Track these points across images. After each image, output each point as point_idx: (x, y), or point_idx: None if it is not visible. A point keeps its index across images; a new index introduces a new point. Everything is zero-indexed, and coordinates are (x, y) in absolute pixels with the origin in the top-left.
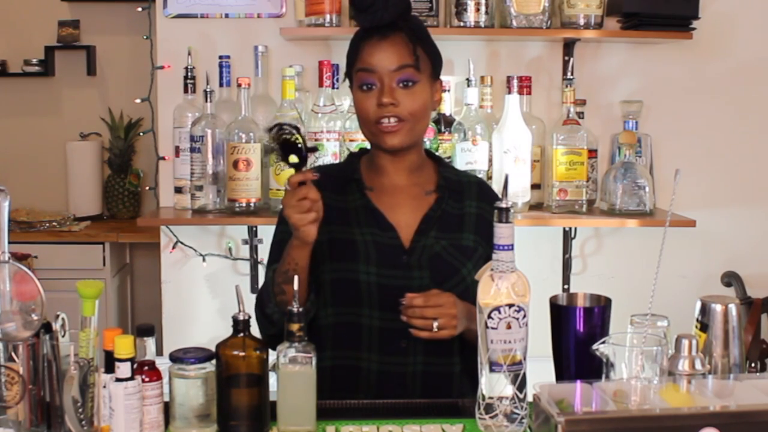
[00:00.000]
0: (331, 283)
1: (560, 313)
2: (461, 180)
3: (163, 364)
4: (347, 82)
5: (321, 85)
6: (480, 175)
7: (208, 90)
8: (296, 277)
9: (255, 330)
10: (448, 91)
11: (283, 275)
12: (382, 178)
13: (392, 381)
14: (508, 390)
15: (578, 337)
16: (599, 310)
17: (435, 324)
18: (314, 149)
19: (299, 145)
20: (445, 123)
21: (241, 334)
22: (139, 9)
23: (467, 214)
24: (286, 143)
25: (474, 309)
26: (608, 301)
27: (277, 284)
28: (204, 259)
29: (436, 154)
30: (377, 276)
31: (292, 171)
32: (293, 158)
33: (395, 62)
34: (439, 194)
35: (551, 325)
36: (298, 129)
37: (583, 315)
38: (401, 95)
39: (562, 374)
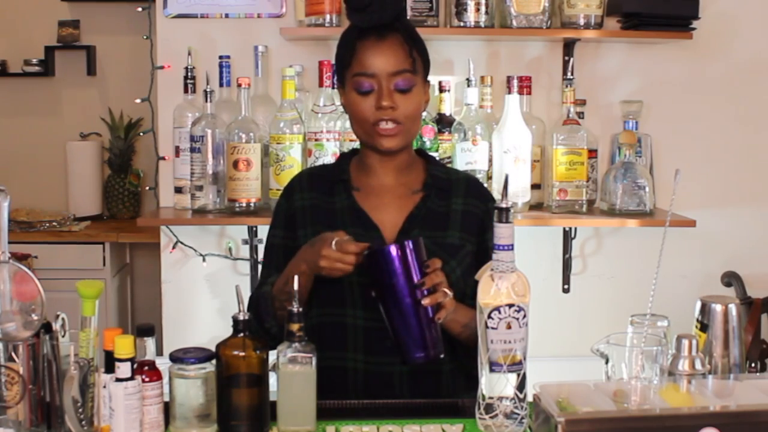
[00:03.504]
0: (313, 284)
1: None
2: (450, 178)
3: (163, 364)
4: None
5: (321, 85)
6: (480, 175)
7: (208, 90)
8: (296, 277)
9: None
10: (448, 91)
11: (286, 294)
12: (369, 178)
13: (379, 381)
14: (508, 390)
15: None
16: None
17: (445, 290)
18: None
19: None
20: (445, 123)
21: (241, 334)
22: (139, 9)
23: (453, 212)
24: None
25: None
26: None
27: (279, 301)
28: (204, 259)
29: (427, 152)
30: (359, 276)
31: None
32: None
33: (393, 66)
34: (425, 192)
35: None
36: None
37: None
38: (399, 99)
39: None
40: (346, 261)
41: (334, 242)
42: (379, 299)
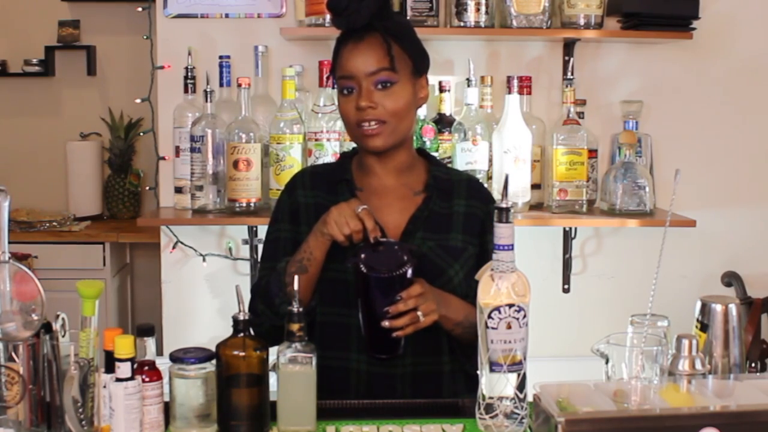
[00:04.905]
0: (318, 283)
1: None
2: (452, 179)
3: (163, 364)
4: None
5: (321, 85)
6: (480, 175)
7: (208, 90)
8: (296, 277)
9: None
10: (448, 91)
11: (296, 264)
12: (371, 178)
13: (382, 382)
14: (509, 390)
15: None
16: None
17: (419, 314)
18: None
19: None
20: (445, 123)
21: (241, 334)
22: (139, 9)
23: (456, 214)
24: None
25: (444, 293)
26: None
27: (289, 274)
28: (204, 259)
29: (429, 153)
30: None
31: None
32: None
33: (370, 66)
34: (427, 194)
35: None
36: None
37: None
38: (379, 97)
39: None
40: (352, 225)
41: (360, 208)
42: (360, 279)
